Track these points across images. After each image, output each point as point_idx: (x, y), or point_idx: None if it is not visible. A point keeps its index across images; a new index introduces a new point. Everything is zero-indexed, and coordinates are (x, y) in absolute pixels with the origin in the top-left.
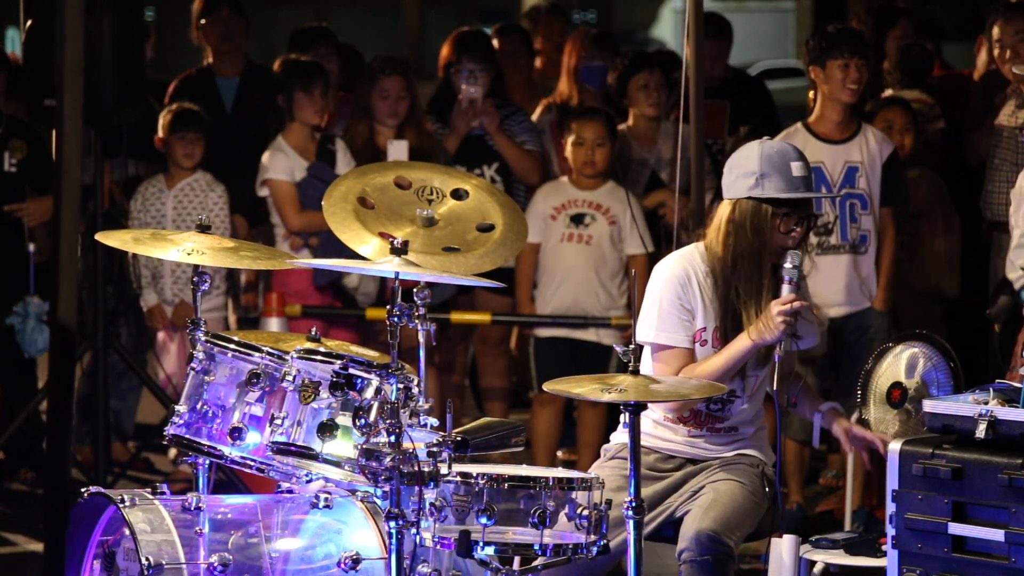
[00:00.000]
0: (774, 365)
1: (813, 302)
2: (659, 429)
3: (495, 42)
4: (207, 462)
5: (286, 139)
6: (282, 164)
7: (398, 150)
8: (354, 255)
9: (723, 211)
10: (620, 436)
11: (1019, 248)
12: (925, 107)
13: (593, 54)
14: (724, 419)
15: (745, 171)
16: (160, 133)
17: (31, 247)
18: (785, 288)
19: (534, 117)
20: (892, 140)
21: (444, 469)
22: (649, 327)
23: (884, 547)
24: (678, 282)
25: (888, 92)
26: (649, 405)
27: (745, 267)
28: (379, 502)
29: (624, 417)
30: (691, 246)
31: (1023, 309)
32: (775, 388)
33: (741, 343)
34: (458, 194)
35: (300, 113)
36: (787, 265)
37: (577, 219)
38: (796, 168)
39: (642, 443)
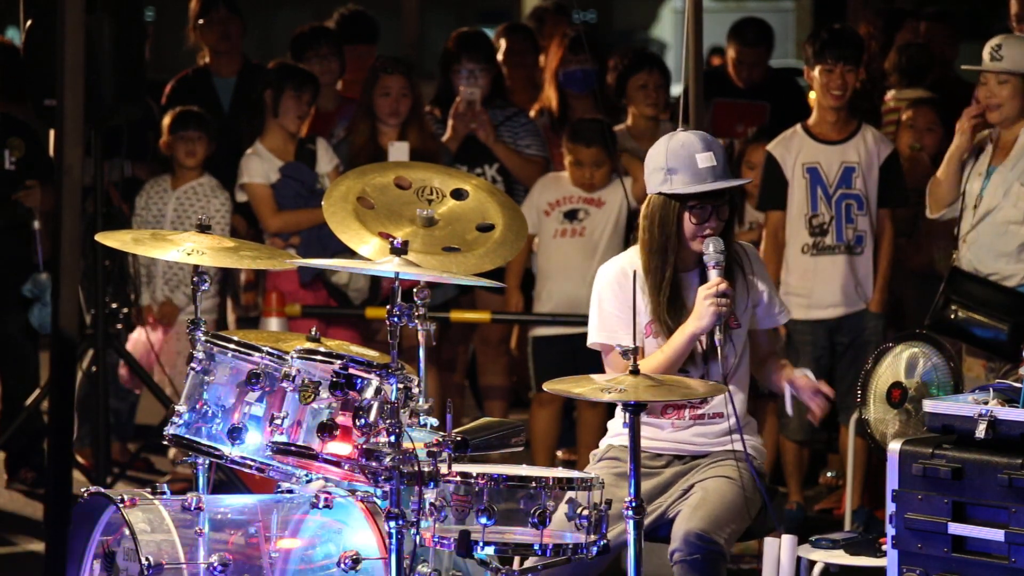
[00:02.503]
0: (721, 353)
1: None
2: (644, 428)
3: (502, 42)
4: (207, 462)
5: (263, 142)
6: (257, 168)
7: (399, 152)
8: (342, 250)
9: (643, 207)
10: (607, 439)
11: None
12: None
13: (570, 59)
14: (705, 403)
15: (655, 167)
16: (163, 136)
17: (36, 224)
18: (712, 273)
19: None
20: (919, 140)
21: (444, 469)
22: (592, 329)
23: (884, 547)
24: (615, 282)
25: (891, 93)
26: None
27: (652, 260)
28: (379, 502)
29: (624, 417)
30: (633, 247)
31: None
32: (723, 373)
33: (679, 335)
34: (458, 194)
35: (284, 113)
36: (709, 251)
37: (570, 215)
38: (702, 160)
39: (627, 444)
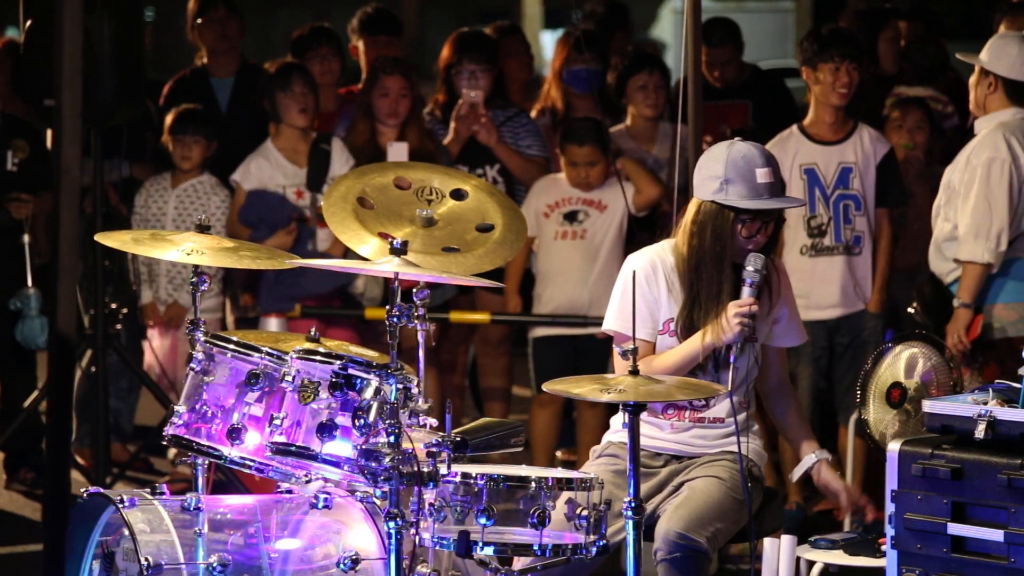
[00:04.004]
0: (732, 368)
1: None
2: (644, 427)
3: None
4: (206, 462)
5: (275, 142)
6: (255, 172)
7: (398, 152)
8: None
9: (689, 211)
10: (607, 435)
11: (951, 241)
12: (939, 104)
13: (574, 58)
14: (707, 408)
15: (711, 174)
16: (164, 134)
17: (25, 238)
18: (746, 291)
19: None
20: (907, 139)
21: (444, 469)
22: (610, 315)
23: (883, 547)
24: (643, 274)
25: (900, 89)
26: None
27: (706, 269)
28: (379, 502)
29: (624, 417)
30: (665, 241)
31: (954, 301)
32: (730, 390)
33: (695, 342)
34: (458, 194)
35: (285, 114)
36: (748, 268)
37: (570, 216)
38: (761, 175)
39: (625, 441)
